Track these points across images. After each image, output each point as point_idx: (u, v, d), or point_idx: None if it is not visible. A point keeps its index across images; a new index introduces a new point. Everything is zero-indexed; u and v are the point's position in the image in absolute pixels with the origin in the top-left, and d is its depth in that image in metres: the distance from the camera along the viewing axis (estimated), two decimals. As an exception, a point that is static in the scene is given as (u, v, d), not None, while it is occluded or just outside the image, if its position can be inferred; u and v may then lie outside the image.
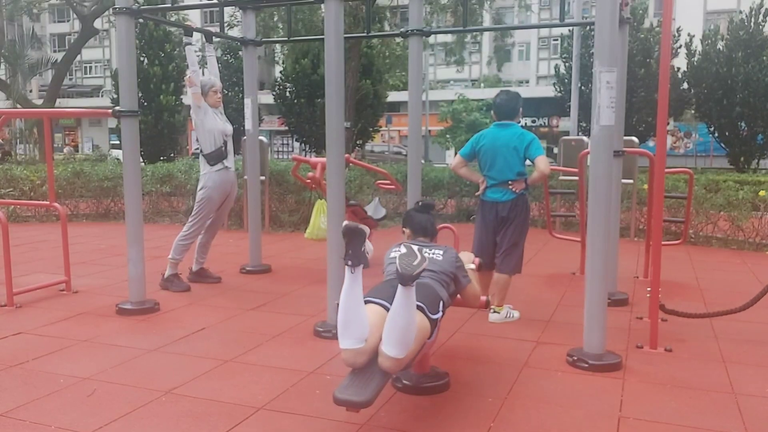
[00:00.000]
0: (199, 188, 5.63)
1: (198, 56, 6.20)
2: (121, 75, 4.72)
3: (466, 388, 3.36)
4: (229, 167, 5.66)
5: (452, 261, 3.29)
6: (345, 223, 2.78)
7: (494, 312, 4.63)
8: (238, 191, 6.18)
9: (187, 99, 5.82)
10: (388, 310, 2.82)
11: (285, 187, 9.56)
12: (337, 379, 3.17)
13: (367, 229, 2.76)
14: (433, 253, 3.29)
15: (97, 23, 24.63)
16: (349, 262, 2.72)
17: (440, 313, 2.97)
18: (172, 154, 18.94)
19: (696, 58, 19.81)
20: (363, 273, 2.75)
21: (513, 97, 4.64)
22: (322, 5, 4.23)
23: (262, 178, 8.11)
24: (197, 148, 5.76)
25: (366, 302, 2.88)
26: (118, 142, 27.26)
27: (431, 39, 23.65)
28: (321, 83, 15.37)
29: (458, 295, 3.41)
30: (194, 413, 3.04)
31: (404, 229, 3.63)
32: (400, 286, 2.64)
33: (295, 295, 5.43)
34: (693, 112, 21.58)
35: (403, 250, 2.66)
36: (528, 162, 4.52)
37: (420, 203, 3.67)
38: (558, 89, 22.76)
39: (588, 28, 15.21)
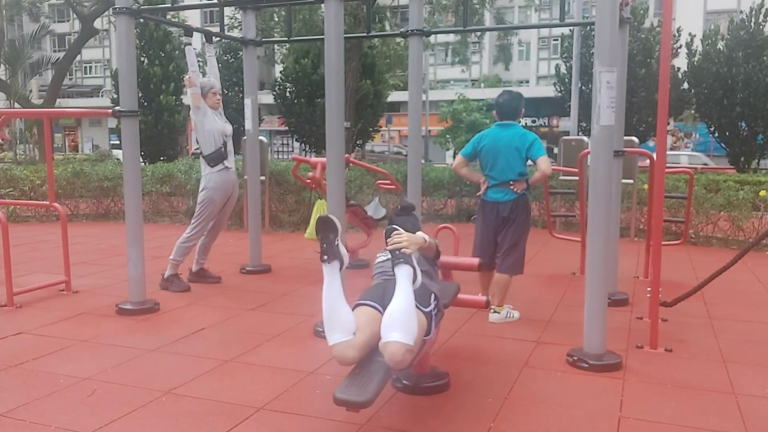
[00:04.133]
0: (200, 190, 5.63)
1: (199, 61, 6.21)
2: (121, 75, 4.72)
3: (466, 388, 3.36)
4: (230, 168, 5.67)
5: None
6: (319, 215, 2.78)
7: (494, 312, 4.63)
8: (238, 191, 6.18)
9: (187, 99, 5.82)
10: (378, 310, 2.82)
11: (285, 187, 9.56)
12: (337, 379, 3.17)
13: (339, 224, 2.75)
14: None
15: (97, 23, 24.60)
16: (325, 257, 2.72)
17: (432, 305, 2.95)
18: (172, 153, 18.93)
19: (696, 58, 19.78)
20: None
21: (515, 97, 4.64)
22: (322, 5, 4.22)
23: (262, 178, 8.11)
24: (197, 149, 5.76)
25: (357, 305, 2.88)
26: (118, 142, 27.23)
27: (431, 39, 23.64)
28: (321, 83, 15.36)
29: (458, 296, 3.40)
30: (194, 413, 3.04)
31: None
32: (393, 266, 2.74)
33: (295, 295, 5.42)
34: (693, 112, 21.53)
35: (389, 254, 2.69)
36: (529, 162, 4.52)
37: (399, 206, 3.69)
38: (558, 89, 22.73)
39: (588, 28, 15.23)
